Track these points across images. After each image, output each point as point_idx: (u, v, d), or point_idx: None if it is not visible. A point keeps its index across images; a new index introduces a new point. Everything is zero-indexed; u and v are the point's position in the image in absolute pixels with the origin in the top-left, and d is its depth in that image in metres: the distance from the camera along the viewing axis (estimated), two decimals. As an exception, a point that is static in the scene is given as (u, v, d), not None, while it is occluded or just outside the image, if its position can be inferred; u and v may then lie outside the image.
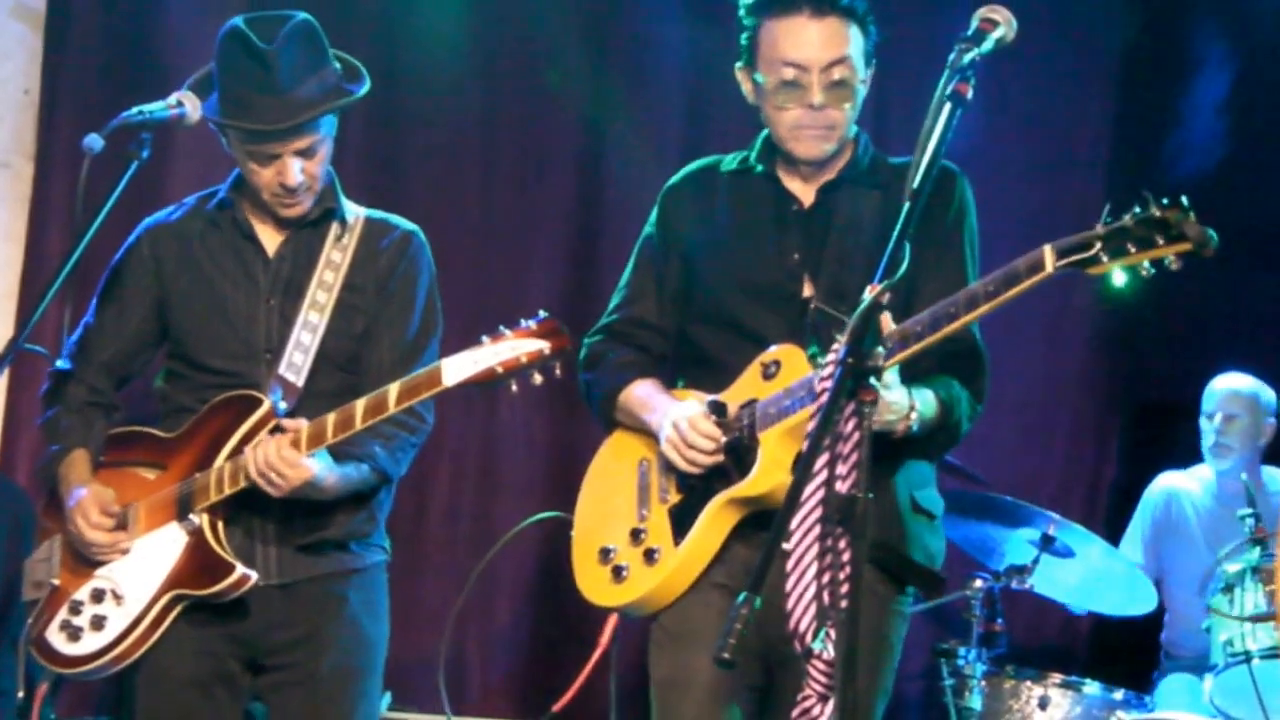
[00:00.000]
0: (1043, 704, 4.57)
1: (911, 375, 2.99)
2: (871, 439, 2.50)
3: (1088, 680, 4.65)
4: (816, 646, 2.60)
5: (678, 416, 3.09)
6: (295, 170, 3.30)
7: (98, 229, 3.29)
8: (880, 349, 2.52)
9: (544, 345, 3.03)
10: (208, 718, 3.36)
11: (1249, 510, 4.75)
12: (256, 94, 3.24)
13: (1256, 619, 4.38)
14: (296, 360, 3.35)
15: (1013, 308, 5.52)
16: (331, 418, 3.18)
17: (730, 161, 3.32)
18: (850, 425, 2.51)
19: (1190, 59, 5.52)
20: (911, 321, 2.81)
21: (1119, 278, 2.64)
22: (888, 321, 2.80)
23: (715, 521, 3.08)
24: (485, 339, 3.07)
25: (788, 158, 3.20)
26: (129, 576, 3.35)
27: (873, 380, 2.49)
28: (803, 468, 2.51)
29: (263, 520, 3.33)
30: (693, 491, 3.12)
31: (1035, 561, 4.71)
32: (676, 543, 3.11)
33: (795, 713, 2.68)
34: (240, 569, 3.26)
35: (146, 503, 3.37)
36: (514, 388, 3.08)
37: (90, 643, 3.33)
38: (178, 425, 3.41)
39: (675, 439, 3.08)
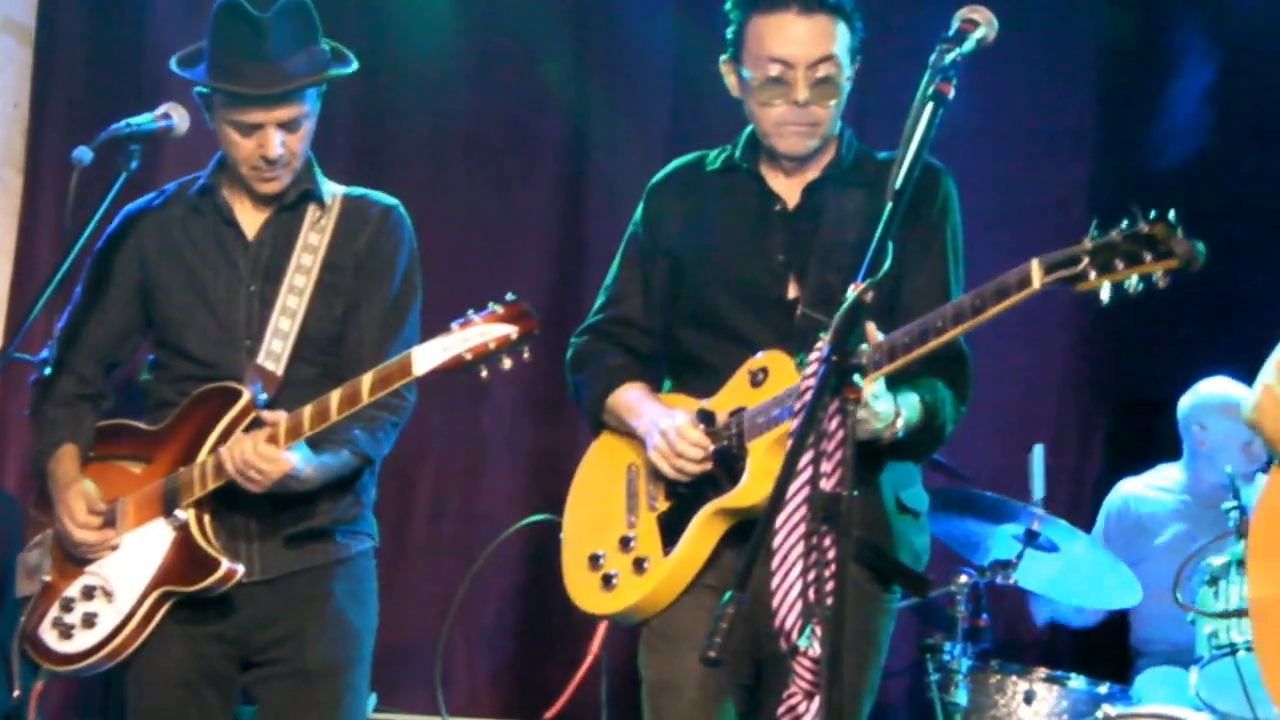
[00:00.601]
0: (1028, 698, 4.58)
1: (896, 377, 2.99)
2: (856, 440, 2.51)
3: (1073, 674, 4.65)
4: (802, 644, 2.62)
5: (666, 425, 3.10)
6: (276, 142, 3.32)
7: (87, 240, 3.32)
8: (864, 347, 2.55)
9: (511, 330, 3.05)
10: None
11: (1234, 503, 4.77)
12: (246, 61, 3.27)
13: (1242, 614, 4.40)
14: (275, 348, 3.37)
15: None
16: (308, 410, 3.20)
17: (714, 159, 3.32)
18: (834, 423, 2.53)
19: (1171, 53, 5.52)
20: (900, 333, 2.83)
21: (1106, 293, 2.63)
22: (874, 332, 2.83)
23: (704, 531, 3.10)
24: (454, 325, 3.09)
25: (771, 153, 3.21)
26: (118, 573, 3.38)
27: (857, 377, 2.50)
28: (787, 466, 2.52)
29: (247, 514, 3.36)
30: (681, 499, 3.14)
31: (1019, 557, 4.71)
32: (666, 552, 3.13)
33: (781, 710, 2.70)
34: (226, 564, 3.29)
35: (133, 498, 3.40)
36: (484, 373, 3.11)
37: (83, 640, 3.37)
38: (161, 419, 3.43)
39: (663, 448, 3.09)
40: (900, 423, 2.97)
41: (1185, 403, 5.17)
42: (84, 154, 3.29)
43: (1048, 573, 4.90)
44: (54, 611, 3.42)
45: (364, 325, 3.43)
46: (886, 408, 2.93)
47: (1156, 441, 5.45)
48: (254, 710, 3.51)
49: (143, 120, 3.37)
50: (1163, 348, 5.50)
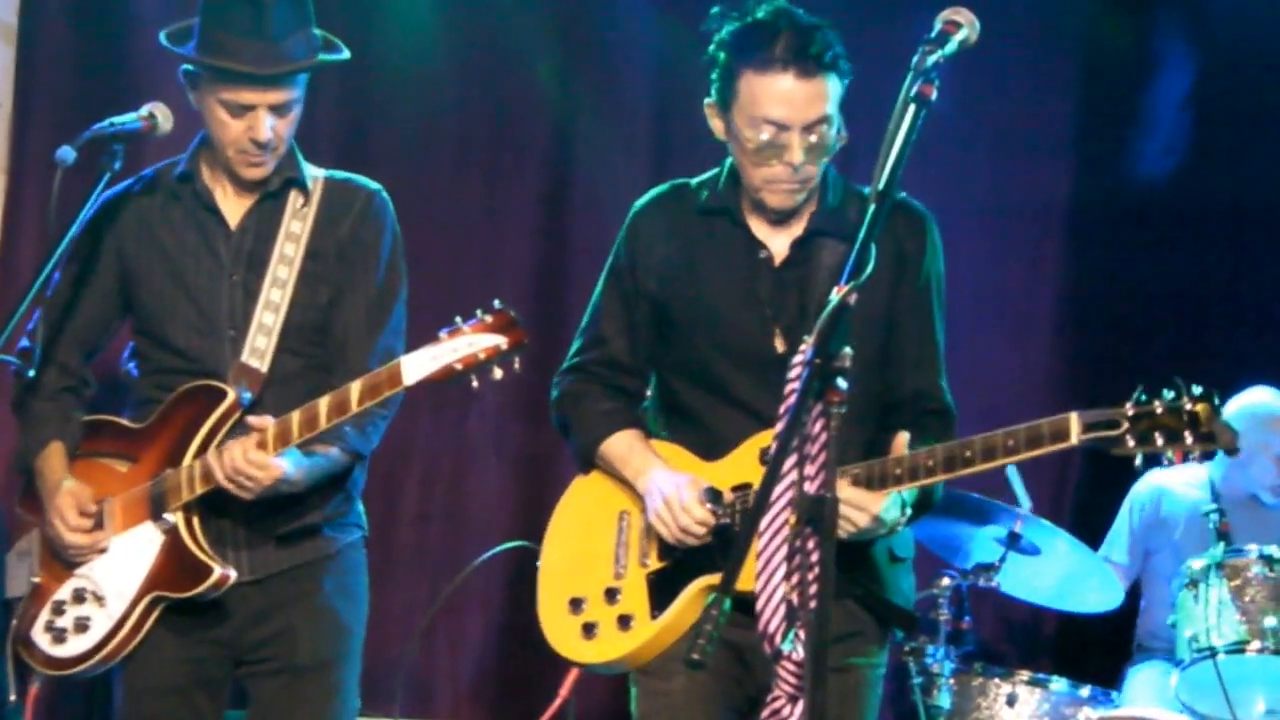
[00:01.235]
0: (1010, 701, 4.61)
1: (884, 427, 3.04)
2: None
3: (1055, 677, 4.68)
4: (786, 647, 2.63)
5: (670, 493, 3.06)
6: (267, 125, 3.29)
7: (71, 240, 3.29)
8: (847, 350, 2.52)
9: (501, 341, 3.02)
10: None
11: (1213, 506, 4.80)
12: (245, 39, 3.24)
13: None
14: (260, 344, 3.35)
15: (977, 308, 5.58)
16: (296, 417, 3.18)
17: (699, 193, 3.24)
18: (818, 426, 2.53)
19: (1155, 58, 5.55)
20: (924, 454, 2.85)
21: (1139, 461, 2.67)
22: (901, 443, 2.88)
23: (694, 602, 3.07)
24: (443, 334, 3.07)
25: (757, 204, 3.16)
26: (108, 576, 3.37)
27: (840, 381, 2.49)
28: (771, 469, 2.53)
29: (236, 517, 3.34)
30: (674, 562, 3.11)
31: (1002, 559, 4.74)
32: (653, 614, 3.10)
33: (765, 713, 2.72)
34: (219, 570, 3.27)
35: (120, 499, 3.38)
36: (474, 383, 3.08)
37: (75, 645, 3.36)
38: (145, 415, 3.41)
39: (665, 516, 3.06)
40: (903, 518, 2.99)
41: (1228, 410, 5.15)
42: (67, 154, 3.27)
43: (1030, 575, 4.92)
44: (45, 615, 3.40)
45: (349, 315, 3.40)
46: (894, 515, 2.95)
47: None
48: (243, 714, 3.50)
49: (126, 119, 3.34)
50: (1143, 349, 5.51)
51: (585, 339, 3.31)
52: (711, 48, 3.12)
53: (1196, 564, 4.58)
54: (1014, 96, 5.49)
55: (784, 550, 2.65)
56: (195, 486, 3.28)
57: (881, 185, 2.62)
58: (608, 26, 5.32)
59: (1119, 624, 5.21)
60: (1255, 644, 4.42)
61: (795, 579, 2.56)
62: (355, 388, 3.14)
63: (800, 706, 2.63)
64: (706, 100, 3.15)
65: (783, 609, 2.64)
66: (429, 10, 5.13)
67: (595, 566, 3.20)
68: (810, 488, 2.55)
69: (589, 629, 3.17)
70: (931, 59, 2.66)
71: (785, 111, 3.01)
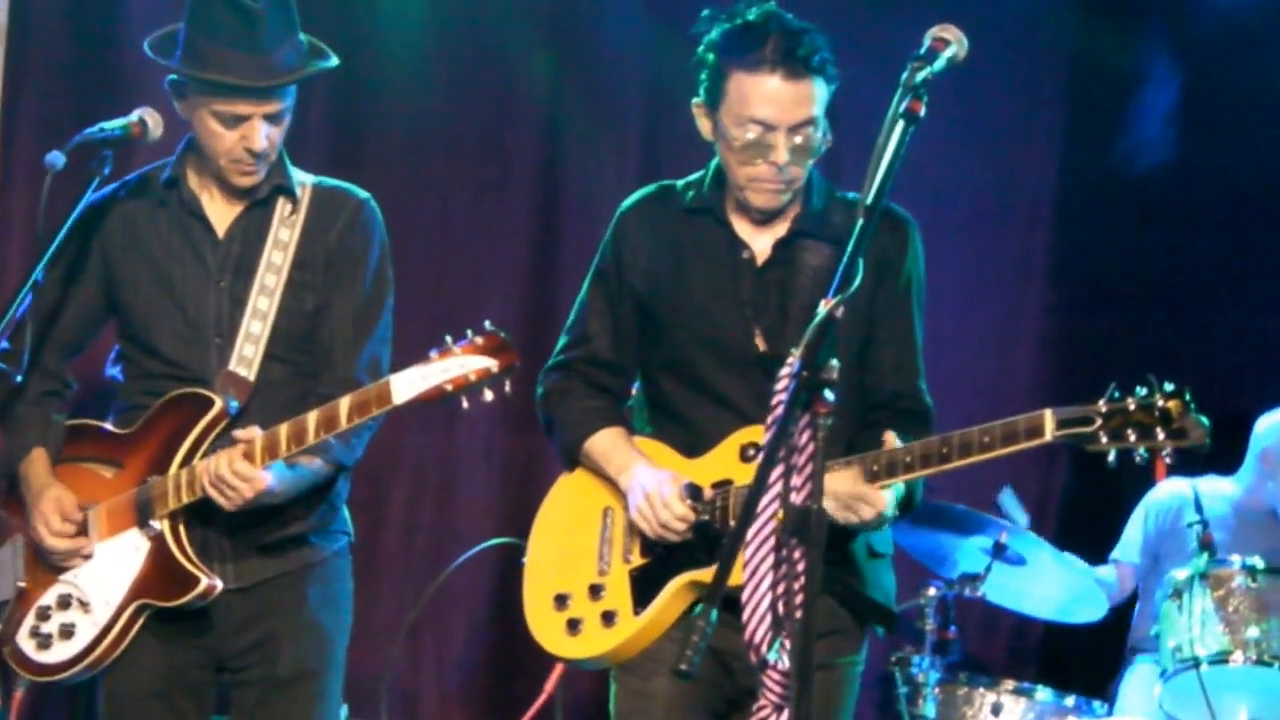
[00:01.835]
0: (995, 710, 4.63)
1: (865, 426, 3.07)
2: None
3: (1040, 686, 4.71)
4: (772, 657, 2.62)
5: (651, 488, 3.09)
6: (262, 135, 3.28)
7: (59, 246, 3.28)
8: (834, 363, 2.53)
9: (492, 363, 3.02)
10: None
11: (1196, 517, 4.82)
12: (238, 51, 3.23)
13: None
14: (247, 353, 3.34)
15: (961, 316, 5.59)
16: (284, 430, 3.18)
17: (685, 193, 3.27)
18: (805, 437, 2.54)
19: (1141, 62, 5.57)
20: (901, 451, 2.91)
21: (1112, 457, 2.71)
22: (891, 439, 2.93)
23: (675, 599, 3.11)
24: (433, 354, 3.06)
25: (741, 203, 3.19)
26: (93, 583, 3.36)
27: (827, 392, 2.50)
28: (758, 479, 2.54)
29: (221, 526, 3.33)
30: (657, 558, 3.13)
31: (987, 569, 4.75)
32: (636, 610, 3.13)
33: None
34: (206, 579, 3.27)
35: (106, 506, 3.38)
36: (464, 404, 3.07)
37: (61, 651, 3.36)
38: (130, 421, 3.41)
39: (646, 512, 3.09)
40: (893, 515, 3.01)
41: (1264, 423, 5.16)
42: (56, 158, 3.26)
43: (1016, 586, 4.94)
44: (30, 620, 3.40)
45: (336, 323, 3.39)
46: (890, 509, 2.99)
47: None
48: (227, 719, 3.52)
49: (116, 125, 3.33)
50: (1128, 355, 5.54)
51: (570, 337, 3.33)
52: (700, 49, 3.16)
53: (1180, 574, 4.61)
54: (1002, 99, 5.52)
55: (770, 560, 2.63)
56: (182, 495, 3.27)
57: (870, 200, 2.63)
58: (598, 32, 5.34)
59: (1104, 634, 5.22)
60: (1238, 654, 4.45)
61: (781, 589, 2.57)
62: (344, 404, 3.14)
63: (785, 716, 2.61)
64: (695, 100, 3.18)
65: (769, 618, 2.63)
66: (418, 15, 5.14)
67: (580, 563, 3.22)
68: (797, 499, 2.54)
69: (573, 625, 3.19)
70: (920, 75, 2.67)
71: (772, 112, 3.05)
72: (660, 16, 5.10)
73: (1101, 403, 2.73)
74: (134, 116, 3.36)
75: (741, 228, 3.21)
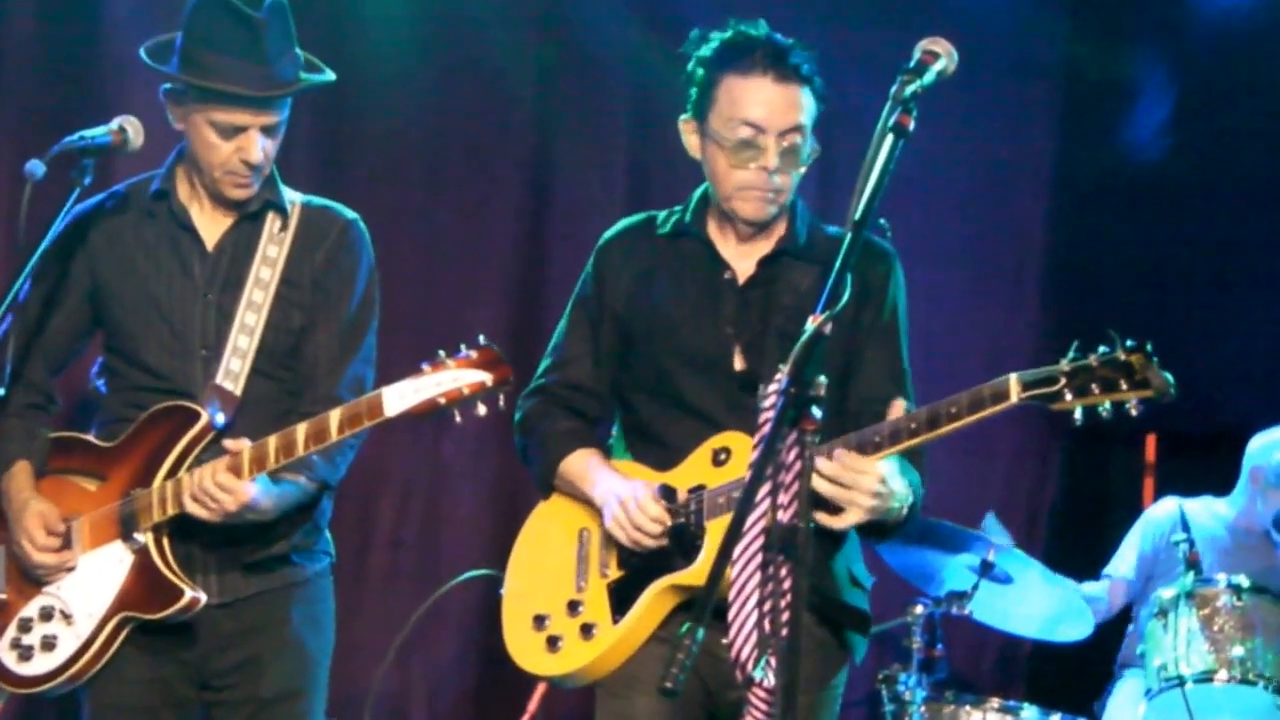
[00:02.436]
0: (981, 728, 4.65)
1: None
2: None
3: (1025, 705, 4.72)
4: (758, 675, 2.64)
5: (626, 496, 3.12)
6: (259, 147, 3.29)
7: (43, 257, 3.27)
8: (821, 379, 2.54)
9: (486, 377, 3.03)
10: None
11: (1183, 536, 4.85)
12: (239, 60, 3.24)
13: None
14: (234, 367, 3.35)
15: (953, 334, 5.59)
16: (273, 442, 3.18)
17: (664, 221, 3.32)
18: (792, 455, 2.55)
19: (1131, 83, 5.65)
20: (870, 431, 2.93)
21: (1079, 415, 2.74)
22: (899, 409, 2.95)
23: (655, 604, 3.13)
24: (426, 366, 3.07)
25: (725, 217, 3.21)
26: (76, 595, 3.36)
27: (814, 409, 2.51)
28: (745, 497, 2.54)
29: (205, 541, 3.34)
30: (634, 569, 3.16)
31: (975, 588, 4.76)
32: (615, 620, 3.15)
33: None
34: (190, 592, 3.28)
35: (89, 518, 3.38)
36: (457, 418, 3.08)
37: (42, 664, 3.36)
38: (115, 434, 3.41)
39: (621, 518, 3.11)
40: (907, 508, 3.02)
41: (1256, 443, 5.20)
42: (36, 167, 3.26)
43: (1003, 604, 4.96)
44: (12, 632, 3.39)
45: (321, 342, 3.41)
46: (902, 489, 2.98)
47: (1111, 469, 5.50)
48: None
49: (96, 134, 3.33)
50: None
51: (550, 362, 3.37)
52: (690, 64, 3.21)
53: (1166, 593, 4.67)
54: (993, 119, 5.56)
55: (757, 578, 2.65)
56: (166, 508, 3.27)
57: (859, 215, 2.63)
58: (585, 47, 5.36)
59: (1091, 653, 5.26)
60: (1223, 673, 4.51)
61: (768, 606, 2.57)
62: (335, 416, 3.15)
63: None
64: (682, 117, 3.22)
65: (755, 636, 2.65)
66: (405, 29, 5.15)
67: (557, 584, 3.24)
68: (784, 516, 2.55)
69: (553, 642, 3.21)
70: (910, 89, 2.66)
71: (764, 113, 3.11)
72: (648, 32, 5.14)
73: (1065, 362, 2.75)
74: (114, 125, 3.35)
75: (725, 248, 3.24)
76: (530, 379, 3.40)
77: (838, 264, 2.60)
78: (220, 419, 3.31)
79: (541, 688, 4.58)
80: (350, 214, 3.51)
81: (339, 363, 3.40)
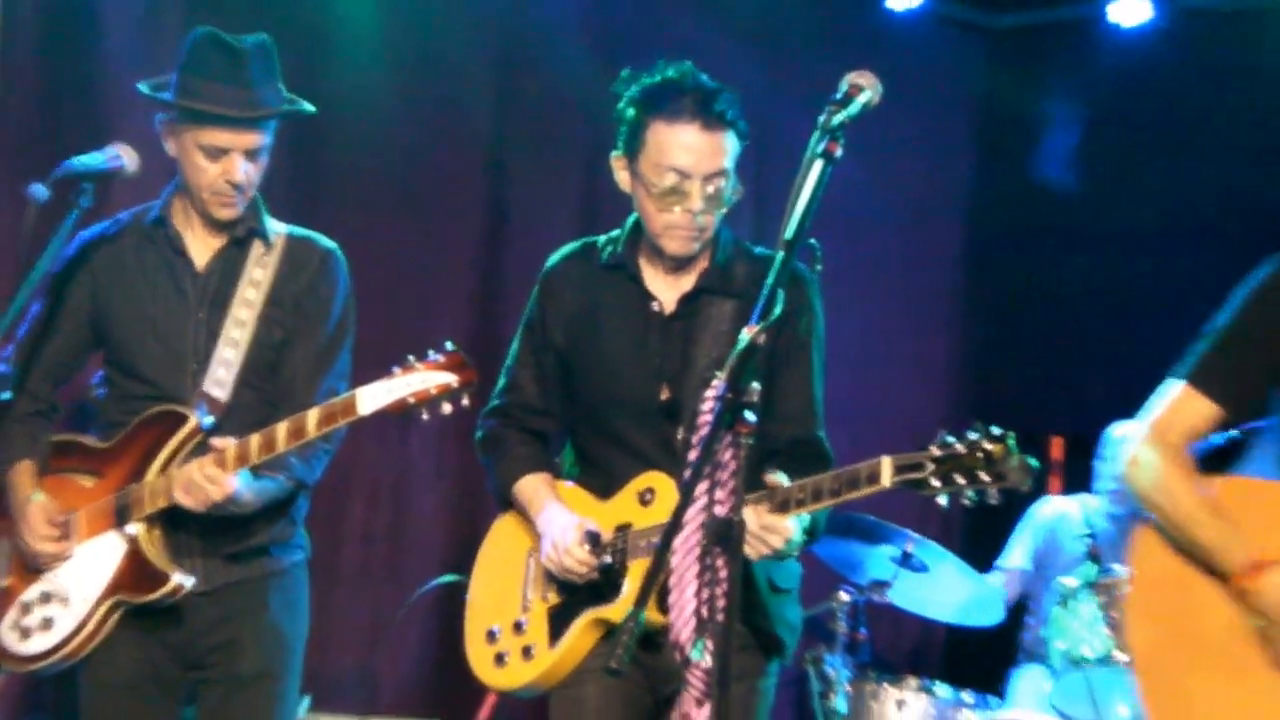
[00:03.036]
0: (900, 706, 4.80)
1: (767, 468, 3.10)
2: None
3: (940, 684, 4.86)
4: (695, 656, 2.84)
5: (557, 535, 3.24)
6: (241, 168, 3.45)
7: (41, 274, 3.41)
8: (756, 385, 2.62)
9: (452, 379, 3.17)
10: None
11: (1087, 531, 5.09)
12: (224, 85, 3.41)
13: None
14: (221, 375, 3.51)
15: (879, 351, 5.73)
16: (255, 439, 3.33)
17: (605, 249, 3.39)
18: (728, 454, 2.68)
19: (1044, 112, 5.80)
20: (763, 494, 2.99)
21: (943, 501, 2.77)
22: (775, 480, 3.00)
23: (583, 634, 3.27)
24: (396, 369, 3.20)
25: (654, 251, 3.30)
26: (73, 581, 3.53)
27: (748, 414, 2.62)
28: (684, 492, 2.67)
29: (191, 532, 3.50)
30: (570, 596, 3.29)
31: (895, 576, 4.94)
32: (551, 644, 3.28)
33: (675, 715, 2.94)
34: (175, 577, 3.44)
35: (86, 511, 3.55)
36: (425, 416, 3.21)
37: (40, 642, 3.52)
38: (111, 436, 3.57)
39: (553, 556, 3.24)
40: (798, 540, 3.08)
41: (1115, 436, 5.31)
42: (40, 191, 3.36)
43: (920, 591, 5.13)
44: (13, 614, 3.55)
45: (298, 361, 3.57)
46: (799, 539, 3.08)
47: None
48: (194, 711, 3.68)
49: (94, 159, 3.48)
50: (1041, 380, 5.77)
51: (504, 383, 3.50)
52: (621, 104, 3.28)
53: (1070, 582, 4.77)
54: (911, 153, 5.68)
55: (695, 567, 2.82)
56: (158, 501, 3.44)
57: (790, 234, 2.67)
58: (542, 80, 5.46)
59: (1000, 637, 5.44)
60: (1122, 656, 4.58)
61: (705, 594, 2.73)
62: (313, 415, 3.30)
63: (707, 709, 2.83)
64: (614, 153, 3.30)
65: (693, 621, 2.83)
66: (375, 69, 5.23)
67: (507, 601, 3.40)
68: (720, 510, 2.69)
69: (500, 658, 3.37)
70: (837, 119, 2.72)
71: (690, 160, 3.18)
72: (601, 66, 5.11)
73: (933, 448, 2.77)
74: (111, 152, 3.52)
75: (653, 282, 3.33)
76: (489, 387, 3.49)
77: (770, 280, 2.65)
78: (207, 421, 3.49)
79: (492, 696, 4.67)
80: (330, 244, 3.69)
81: (314, 376, 3.55)
